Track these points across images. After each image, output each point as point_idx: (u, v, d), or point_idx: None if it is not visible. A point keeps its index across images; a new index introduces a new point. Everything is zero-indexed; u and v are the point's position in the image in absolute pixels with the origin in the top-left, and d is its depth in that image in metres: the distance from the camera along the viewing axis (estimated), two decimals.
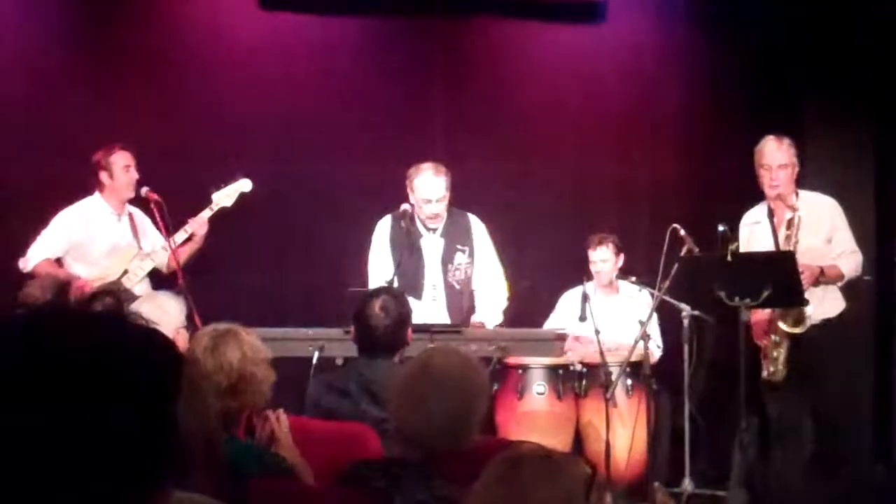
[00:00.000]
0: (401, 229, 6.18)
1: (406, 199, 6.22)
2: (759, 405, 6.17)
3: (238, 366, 3.40)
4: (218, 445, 2.54)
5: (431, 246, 6.26)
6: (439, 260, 6.24)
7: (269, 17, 7.47)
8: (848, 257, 6.04)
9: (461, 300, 6.27)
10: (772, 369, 5.94)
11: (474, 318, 6.23)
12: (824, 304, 5.96)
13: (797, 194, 6.09)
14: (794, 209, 6.00)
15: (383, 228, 6.30)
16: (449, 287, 6.24)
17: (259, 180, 6.69)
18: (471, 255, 6.28)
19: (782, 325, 5.91)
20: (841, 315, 6.05)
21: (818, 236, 6.00)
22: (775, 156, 6.04)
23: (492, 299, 6.34)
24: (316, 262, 7.00)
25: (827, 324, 5.97)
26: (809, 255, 5.93)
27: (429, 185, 6.12)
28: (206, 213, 6.46)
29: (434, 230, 6.23)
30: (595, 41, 7.67)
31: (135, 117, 7.08)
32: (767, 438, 6.16)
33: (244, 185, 6.56)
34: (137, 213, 6.55)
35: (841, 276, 6.00)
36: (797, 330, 5.91)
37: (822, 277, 5.90)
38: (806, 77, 7.39)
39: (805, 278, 5.76)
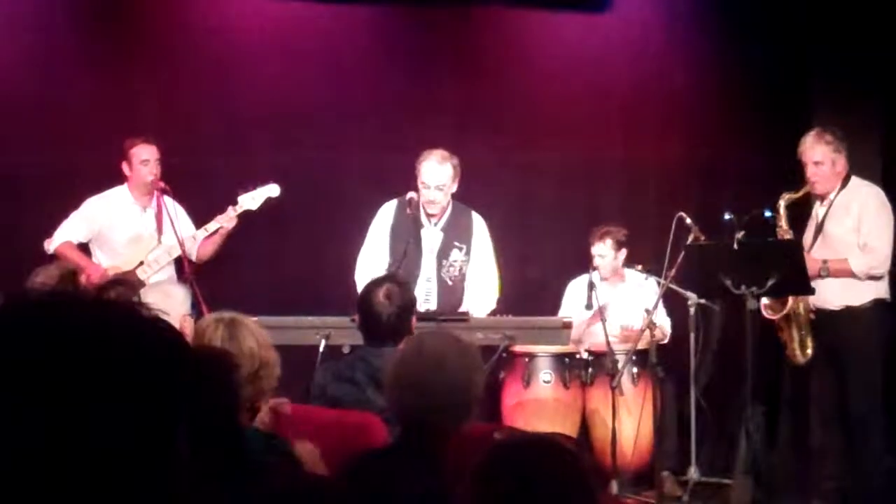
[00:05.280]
0: (405, 216, 6.14)
1: (415, 189, 6.18)
2: (769, 391, 6.19)
3: (259, 352, 3.44)
4: (242, 441, 2.54)
5: (430, 238, 6.18)
6: (435, 254, 6.15)
7: (277, 5, 7.47)
8: (861, 252, 5.88)
9: (453, 296, 6.16)
10: (789, 351, 6.03)
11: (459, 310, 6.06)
12: (848, 292, 5.92)
13: (847, 182, 5.99)
14: (824, 199, 6.00)
15: (386, 214, 6.24)
16: (441, 282, 6.14)
17: (265, 169, 6.69)
18: (468, 253, 6.19)
19: (764, 312, 5.95)
20: (872, 303, 5.90)
21: (842, 225, 5.93)
22: (809, 153, 5.98)
23: (481, 298, 6.21)
24: (321, 250, 7.00)
25: (848, 311, 5.90)
26: (831, 242, 5.92)
27: (430, 171, 6.06)
28: (231, 213, 6.35)
29: (434, 221, 6.13)
30: (601, 29, 7.66)
31: (143, 107, 7.10)
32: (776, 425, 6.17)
33: (272, 190, 6.44)
34: (170, 204, 6.40)
35: (849, 272, 5.86)
36: (776, 316, 5.96)
37: (824, 272, 5.85)
38: (814, 63, 7.36)
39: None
